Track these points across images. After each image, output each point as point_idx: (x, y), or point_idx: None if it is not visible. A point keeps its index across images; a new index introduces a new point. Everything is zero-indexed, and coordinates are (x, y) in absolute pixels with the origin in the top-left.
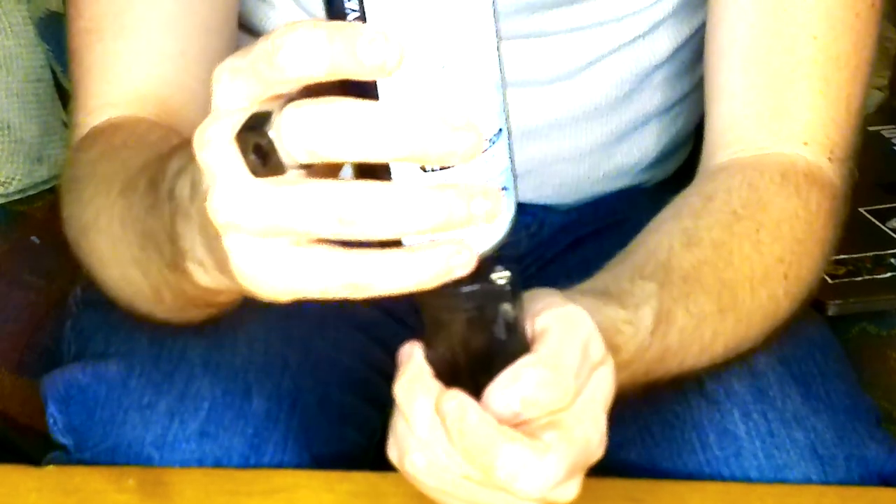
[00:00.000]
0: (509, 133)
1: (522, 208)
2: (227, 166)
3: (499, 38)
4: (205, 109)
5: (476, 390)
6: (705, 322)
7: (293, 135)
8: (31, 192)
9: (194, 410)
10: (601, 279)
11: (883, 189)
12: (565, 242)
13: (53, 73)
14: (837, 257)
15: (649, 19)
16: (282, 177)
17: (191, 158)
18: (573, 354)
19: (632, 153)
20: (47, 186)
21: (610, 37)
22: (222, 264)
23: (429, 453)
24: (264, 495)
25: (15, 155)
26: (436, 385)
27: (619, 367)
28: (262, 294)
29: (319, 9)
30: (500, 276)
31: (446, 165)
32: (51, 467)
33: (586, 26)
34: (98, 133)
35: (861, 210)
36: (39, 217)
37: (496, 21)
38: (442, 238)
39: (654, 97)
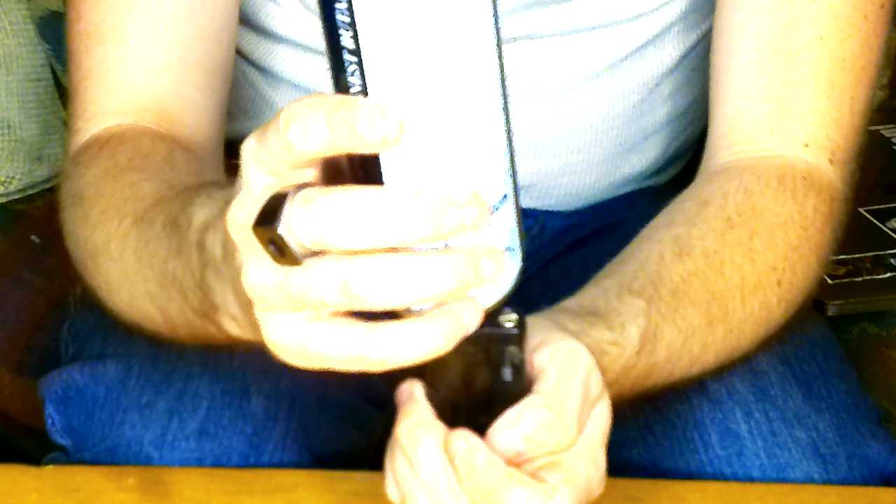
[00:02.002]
0: (517, 193)
1: (524, 212)
2: (253, 250)
3: (507, 104)
4: (202, 117)
5: (478, 429)
6: (694, 336)
7: (299, 230)
8: (31, 192)
9: (193, 410)
10: (590, 294)
11: (883, 189)
12: (566, 243)
13: (53, 72)
14: (837, 257)
15: (658, 23)
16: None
17: (220, 214)
18: (575, 395)
19: (639, 163)
20: (47, 185)
21: (618, 41)
22: (256, 325)
23: (432, 494)
24: (264, 495)
25: (15, 154)
26: (440, 427)
27: (605, 386)
28: (287, 361)
29: None
30: (508, 319)
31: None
32: (50, 467)
33: (594, 27)
34: (99, 146)
35: (861, 210)
36: (39, 216)
37: (504, 88)
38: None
39: (663, 107)
